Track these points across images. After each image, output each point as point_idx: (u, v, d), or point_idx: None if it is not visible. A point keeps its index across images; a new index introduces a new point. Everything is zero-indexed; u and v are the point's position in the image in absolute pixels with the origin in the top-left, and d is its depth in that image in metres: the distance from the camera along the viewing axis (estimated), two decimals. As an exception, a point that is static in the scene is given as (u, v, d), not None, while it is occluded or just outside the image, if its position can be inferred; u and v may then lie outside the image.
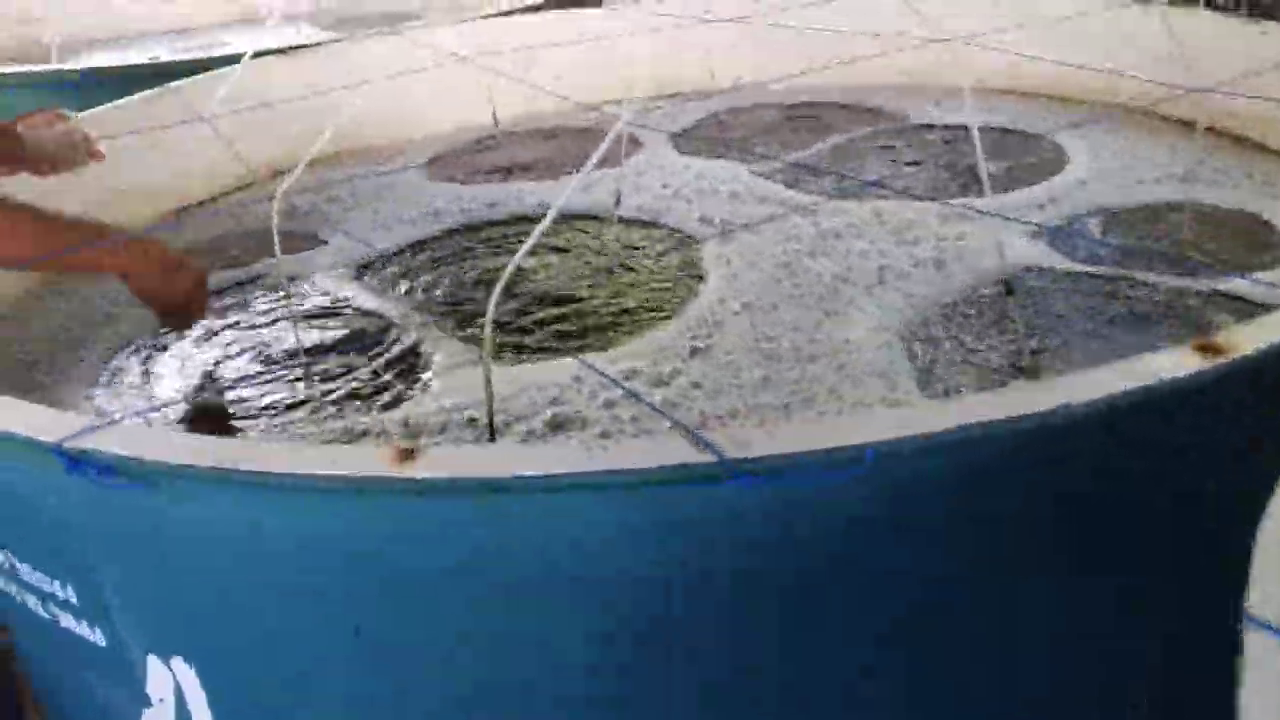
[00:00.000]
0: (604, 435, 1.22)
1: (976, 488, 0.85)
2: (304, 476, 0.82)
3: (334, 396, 1.37)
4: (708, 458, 0.78)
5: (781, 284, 1.57)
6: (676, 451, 0.80)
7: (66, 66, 2.80)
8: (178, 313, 1.47)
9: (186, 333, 1.54)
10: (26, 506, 1.04)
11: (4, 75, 2.66)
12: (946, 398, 1.22)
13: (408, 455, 0.81)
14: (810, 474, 0.80)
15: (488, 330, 1.00)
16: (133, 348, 1.55)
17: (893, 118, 2.36)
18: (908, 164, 2.07)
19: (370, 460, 0.83)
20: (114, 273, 1.40)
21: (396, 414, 1.30)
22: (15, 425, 0.92)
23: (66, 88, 2.53)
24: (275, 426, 1.32)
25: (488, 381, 1.07)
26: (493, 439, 1.16)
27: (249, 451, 0.86)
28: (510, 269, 1.04)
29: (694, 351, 1.40)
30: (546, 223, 1.05)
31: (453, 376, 1.37)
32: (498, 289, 1.02)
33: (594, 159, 1.08)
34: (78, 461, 0.88)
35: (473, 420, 1.27)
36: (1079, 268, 1.55)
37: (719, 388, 1.31)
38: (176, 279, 1.42)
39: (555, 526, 0.85)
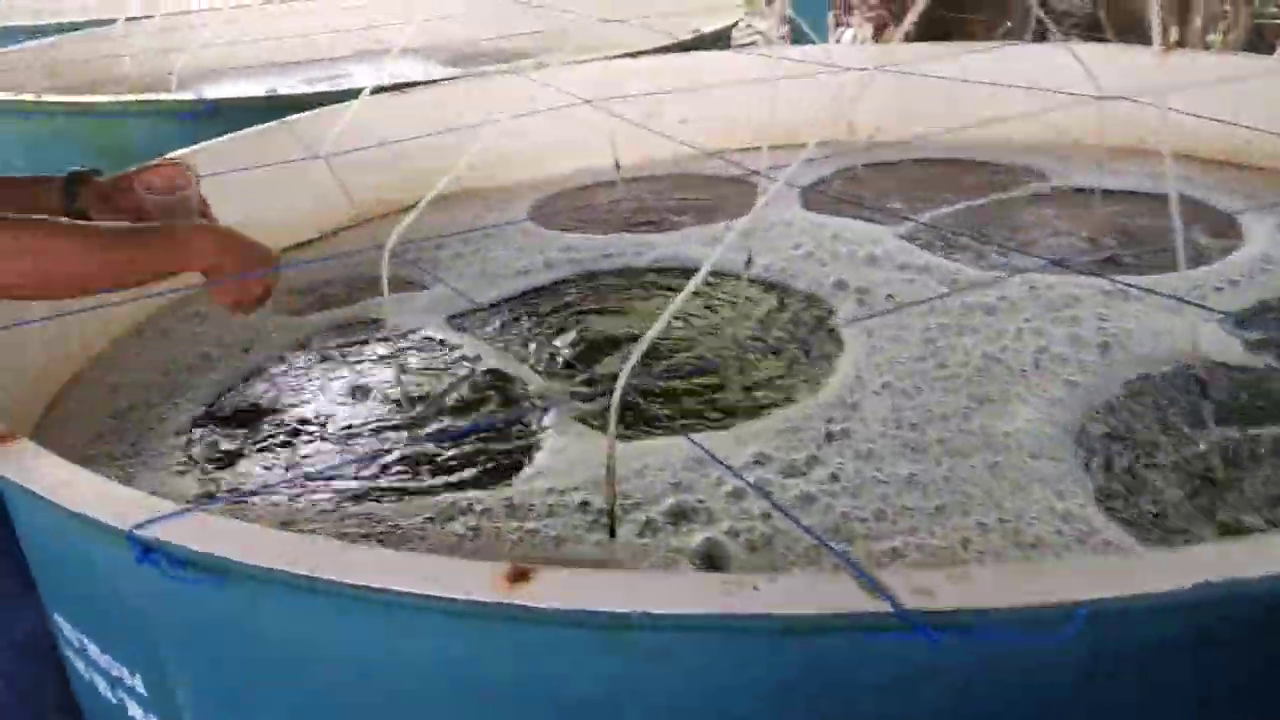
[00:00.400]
0: (731, 534, 1.08)
1: (1213, 656, 0.69)
2: (395, 593, 0.70)
3: (433, 465, 1.26)
4: (881, 607, 0.64)
5: (925, 362, 1.42)
6: (841, 596, 0.66)
7: (185, 97, 2.79)
8: (248, 302, 1.30)
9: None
10: (98, 587, 0.94)
11: (124, 104, 2.66)
12: (1167, 543, 1.04)
13: (521, 577, 0.69)
14: (1008, 633, 0.65)
15: (612, 425, 0.87)
16: (225, 397, 1.47)
17: (1048, 179, 2.18)
18: (1065, 232, 1.89)
19: (476, 579, 0.70)
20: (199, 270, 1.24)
21: (500, 492, 1.18)
22: (90, 505, 0.83)
23: (184, 118, 2.50)
24: (368, 497, 1.21)
25: (610, 472, 0.94)
26: (613, 536, 1.03)
27: (336, 556, 0.74)
28: (642, 346, 0.92)
29: (830, 437, 1.26)
30: (688, 292, 0.92)
31: (565, 452, 1.24)
32: (626, 371, 0.90)
33: (744, 222, 0.96)
34: (149, 550, 0.78)
35: (584, 504, 1.14)
36: (1267, 360, 1.37)
37: (860, 482, 1.17)
38: (253, 264, 1.25)
39: (687, 670, 0.71)
